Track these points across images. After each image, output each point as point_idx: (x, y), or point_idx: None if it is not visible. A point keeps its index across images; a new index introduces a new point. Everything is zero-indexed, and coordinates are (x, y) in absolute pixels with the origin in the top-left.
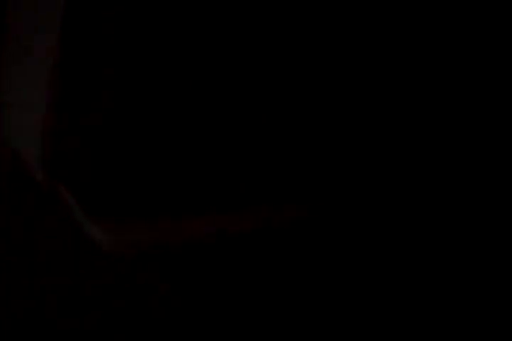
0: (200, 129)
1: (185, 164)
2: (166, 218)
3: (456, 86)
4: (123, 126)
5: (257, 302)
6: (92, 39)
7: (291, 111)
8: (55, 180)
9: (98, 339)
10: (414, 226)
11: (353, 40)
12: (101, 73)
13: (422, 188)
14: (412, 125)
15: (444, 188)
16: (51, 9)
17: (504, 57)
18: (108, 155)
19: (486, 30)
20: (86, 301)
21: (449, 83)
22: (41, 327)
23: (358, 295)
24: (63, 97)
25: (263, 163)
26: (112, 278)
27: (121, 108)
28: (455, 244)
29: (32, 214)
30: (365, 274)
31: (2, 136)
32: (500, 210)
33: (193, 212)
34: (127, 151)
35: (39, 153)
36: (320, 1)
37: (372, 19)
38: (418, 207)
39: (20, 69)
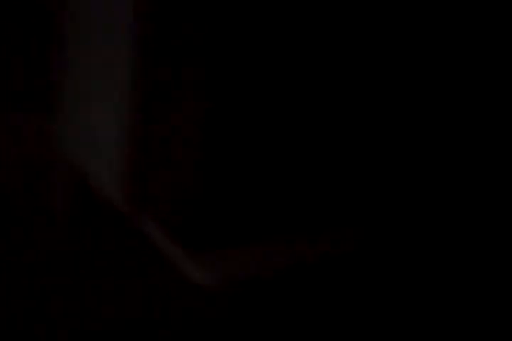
0: (295, 155)
1: (279, 191)
2: (259, 246)
3: (458, 87)
4: (218, 158)
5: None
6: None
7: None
8: (138, 210)
9: None
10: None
11: (354, 44)
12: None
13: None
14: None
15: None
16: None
17: (504, 57)
18: (203, 188)
19: (486, 30)
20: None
21: (451, 85)
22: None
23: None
24: (151, 127)
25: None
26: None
27: (215, 141)
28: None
29: (116, 246)
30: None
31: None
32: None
33: (283, 238)
34: (220, 183)
35: (122, 184)
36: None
37: (371, 19)
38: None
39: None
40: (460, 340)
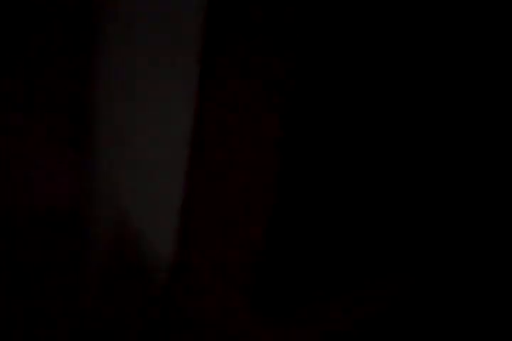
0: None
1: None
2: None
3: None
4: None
5: None
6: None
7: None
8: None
9: None
10: None
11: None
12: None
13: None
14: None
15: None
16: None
17: (504, 58)
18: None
19: (487, 30)
20: None
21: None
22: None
23: None
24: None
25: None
26: None
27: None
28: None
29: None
30: None
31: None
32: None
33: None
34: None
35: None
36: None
37: (373, 21)
38: None
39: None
40: None
